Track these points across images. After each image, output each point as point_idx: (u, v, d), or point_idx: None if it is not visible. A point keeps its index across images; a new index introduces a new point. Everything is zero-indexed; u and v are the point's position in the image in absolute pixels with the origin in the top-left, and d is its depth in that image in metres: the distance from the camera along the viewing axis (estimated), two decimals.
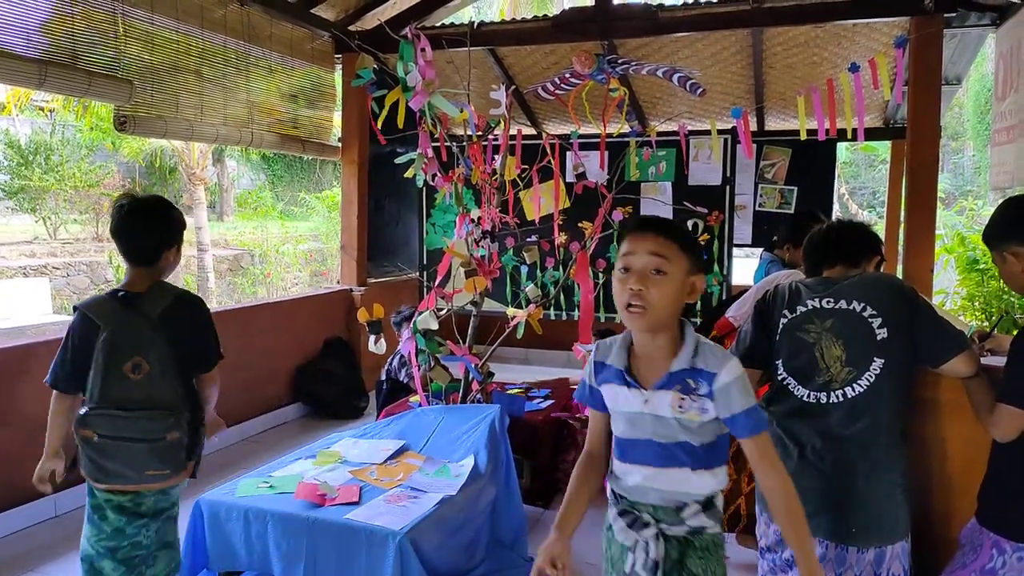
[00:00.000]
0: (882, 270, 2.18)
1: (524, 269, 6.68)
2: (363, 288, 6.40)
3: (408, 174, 3.65)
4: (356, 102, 6.17)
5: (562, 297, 6.62)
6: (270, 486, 2.92)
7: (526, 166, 4.29)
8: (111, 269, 10.96)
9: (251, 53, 5.27)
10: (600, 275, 6.40)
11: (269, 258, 13.29)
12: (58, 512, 3.83)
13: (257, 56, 5.34)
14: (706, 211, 5.80)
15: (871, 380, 1.85)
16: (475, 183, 3.50)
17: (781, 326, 1.98)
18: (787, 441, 1.94)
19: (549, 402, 4.40)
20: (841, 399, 1.87)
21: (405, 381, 4.55)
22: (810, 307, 1.95)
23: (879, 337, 1.86)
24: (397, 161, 3.69)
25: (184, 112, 4.70)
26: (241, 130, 5.22)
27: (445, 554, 2.87)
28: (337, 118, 6.52)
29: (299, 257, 13.65)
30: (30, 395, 3.75)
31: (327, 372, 5.78)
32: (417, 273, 7.01)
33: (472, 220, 3.44)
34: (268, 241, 13.84)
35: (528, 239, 4.60)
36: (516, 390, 4.63)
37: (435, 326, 3.33)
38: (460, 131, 3.52)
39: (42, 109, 15.91)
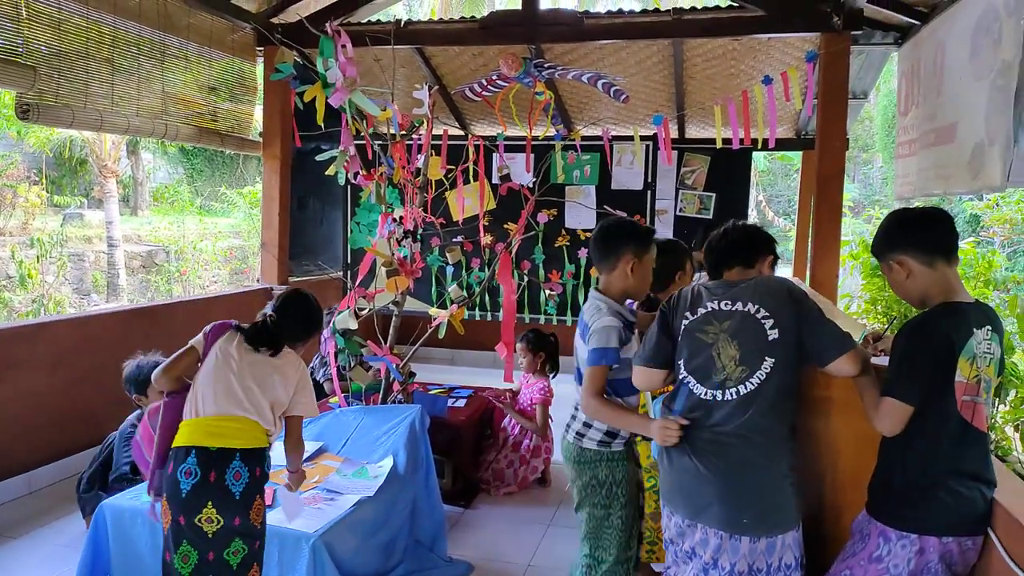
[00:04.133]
0: (776, 269, 2.28)
1: (450, 269, 6.67)
2: (284, 287, 6.25)
3: (330, 172, 3.60)
4: (278, 96, 6.03)
5: (487, 298, 6.64)
6: None
7: (452, 167, 4.30)
8: (13, 264, 10.35)
9: (167, 43, 5.09)
10: (524, 276, 6.45)
11: (186, 255, 12.83)
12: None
13: (174, 46, 5.16)
14: (624, 215, 5.92)
15: (762, 378, 1.94)
16: (397, 182, 3.48)
17: (683, 328, 2.06)
18: (683, 436, 2.02)
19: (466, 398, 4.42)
20: (734, 396, 1.96)
21: (321, 381, 4.48)
22: (710, 309, 2.03)
23: (771, 337, 1.96)
24: (319, 158, 3.64)
25: (94, 102, 4.50)
26: (155, 122, 5.03)
27: (362, 556, 2.85)
28: (259, 113, 6.36)
29: (219, 254, 13.23)
30: None
31: None
32: (341, 272, 6.91)
33: (395, 219, 3.42)
34: (185, 237, 13.36)
35: (453, 239, 4.60)
36: (439, 390, 4.62)
37: (354, 326, 3.29)
38: (385, 129, 3.50)
39: None
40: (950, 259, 1.90)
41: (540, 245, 6.37)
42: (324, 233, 7.05)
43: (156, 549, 2.63)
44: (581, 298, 6.25)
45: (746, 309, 1.99)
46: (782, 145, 7.37)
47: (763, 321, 1.97)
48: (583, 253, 6.24)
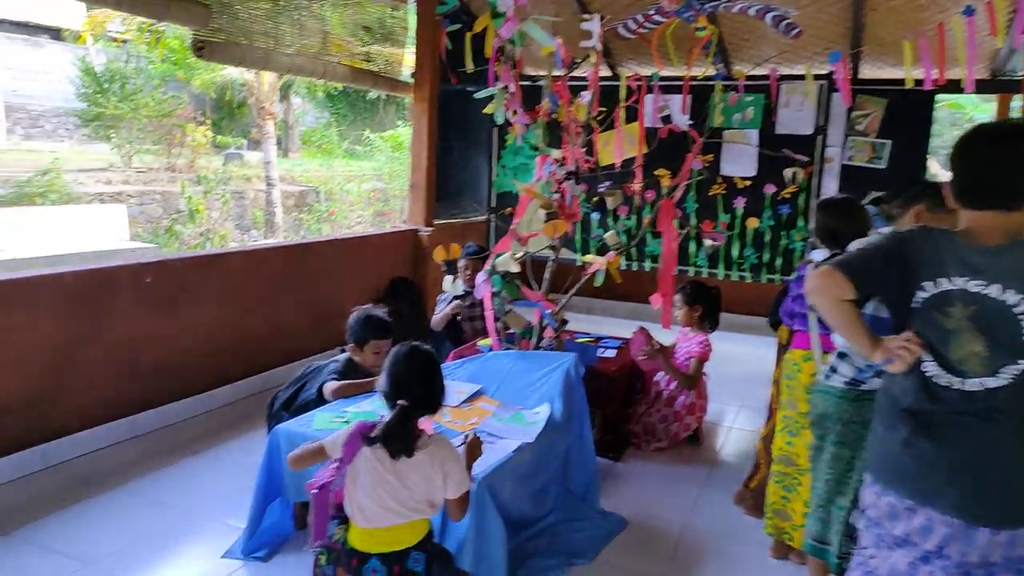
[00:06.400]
0: None
1: (595, 216, 6.49)
2: (430, 229, 6.35)
3: (488, 110, 3.51)
4: (429, 38, 5.99)
5: (633, 248, 6.41)
6: (345, 421, 2.91)
7: (603, 108, 4.09)
8: (183, 200, 11.17)
9: None
10: (680, 225, 6.12)
11: (334, 196, 13.37)
12: (137, 432, 3.94)
13: None
14: (806, 159, 5.49)
15: (1012, 378, 1.62)
16: (560, 121, 3.34)
17: (921, 300, 1.69)
18: (914, 410, 1.74)
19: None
20: (978, 387, 1.64)
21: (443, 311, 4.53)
22: (956, 287, 1.64)
23: None
24: (477, 96, 3.55)
25: (259, 40, 4.62)
26: (314, 62, 5.12)
27: (517, 502, 2.83)
28: (409, 56, 6.38)
29: (362, 196, 13.70)
30: (117, 316, 3.83)
31: (392, 312, 5.74)
32: (485, 215, 6.91)
33: (556, 160, 3.29)
34: (333, 179, 13.90)
35: (608, 184, 4.41)
36: (585, 339, 4.52)
37: (516, 269, 3.22)
38: (544, 69, 3.36)
39: (115, 40, 16.14)
40: None
41: (694, 193, 6.05)
42: (468, 176, 7.06)
43: None
44: (735, 252, 5.91)
45: (1002, 299, 1.59)
46: (976, 88, 6.54)
47: (1020, 319, 1.58)
48: (739, 202, 5.87)
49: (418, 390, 2.23)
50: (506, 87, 3.39)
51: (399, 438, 2.17)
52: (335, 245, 5.54)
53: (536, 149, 3.30)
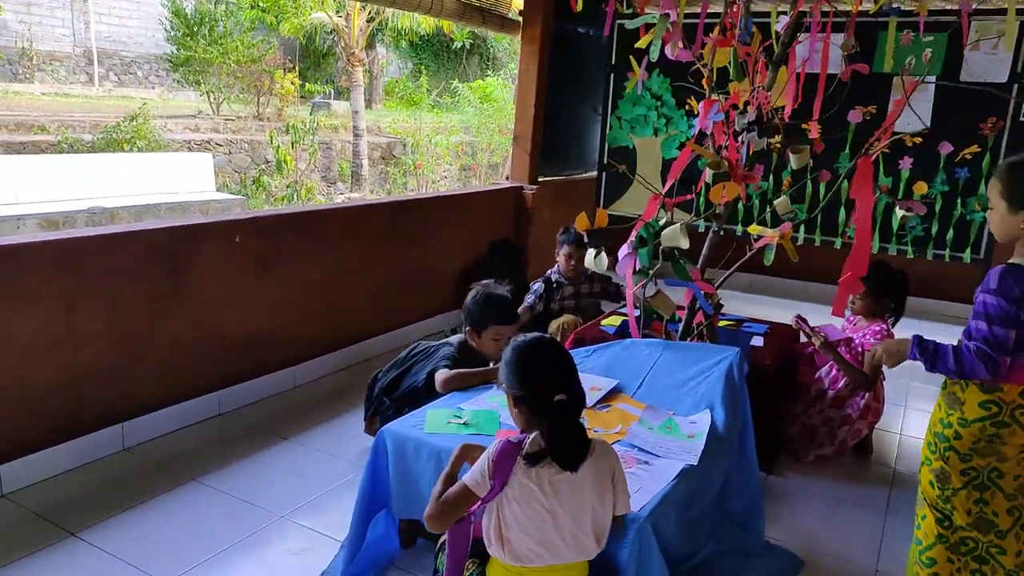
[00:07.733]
0: None
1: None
2: (535, 187, 5.75)
3: (642, 43, 2.85)
4: None
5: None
6: (464, 422, 2.38)
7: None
8: (271, 149, 10.88)
9: None
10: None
11: (420, 148, 12.87)
12: (221, 410, 3.53)
13: None
14: None
15: None
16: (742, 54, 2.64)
17: None
18: None
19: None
20: None
21: (531, 304, 3.98)
22: None
23: None
24: (628, 25, 2.89)
25: None
26: None
27: (675, 536, 2.24)
28: None
29: (450, 149, 13.16)
30: (202, 278, 3.40)
31: (494, 278, 5.22)
32: (594, 171, 6.22)
33: (735, 106, 2.60)
34: (421, 131, 13.39)
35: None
36: (725, 322, 3.86)
37: (686, 244, 2.58)
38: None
39: None
40: None
41: (847, 151, 5.18)
42: (575, 128, 6.38)
43: None
44: (895, 221, 5.06)
45: None
46: None
47: None
48: (905, 163, 4.98)
49: (567, 387, 1.80)
50: (667, 14, 2.71)
51: (575, 444, 1.78)
52: (433, 203, 5.00)
53: (709, 90, 2.63)
